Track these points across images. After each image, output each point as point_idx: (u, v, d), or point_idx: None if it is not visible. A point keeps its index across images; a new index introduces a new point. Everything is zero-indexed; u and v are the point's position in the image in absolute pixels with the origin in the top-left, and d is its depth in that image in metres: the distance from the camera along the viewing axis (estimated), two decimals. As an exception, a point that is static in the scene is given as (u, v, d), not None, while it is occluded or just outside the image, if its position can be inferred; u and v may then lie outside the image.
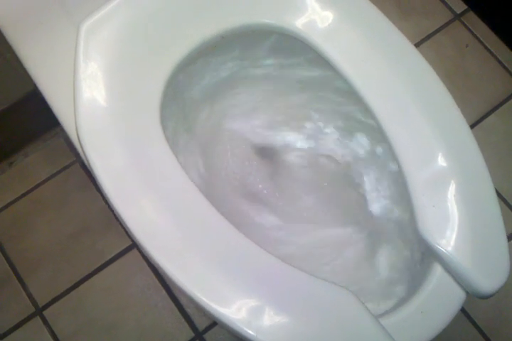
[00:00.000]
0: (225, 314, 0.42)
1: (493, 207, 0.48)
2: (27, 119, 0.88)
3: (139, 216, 0.46)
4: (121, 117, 0.49)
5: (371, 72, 0.52)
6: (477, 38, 1.03)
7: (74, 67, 0.49)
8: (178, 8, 0.52)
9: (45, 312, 0.83)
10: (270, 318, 0.42)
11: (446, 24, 1.05)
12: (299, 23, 0.52)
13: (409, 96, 0.51)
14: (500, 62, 1.01)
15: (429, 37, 1.03)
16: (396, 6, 1.05)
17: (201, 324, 0.82)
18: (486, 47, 1.02)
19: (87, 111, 0.48)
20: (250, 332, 0.42)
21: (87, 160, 0.48)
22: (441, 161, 0.49)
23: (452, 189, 0.48)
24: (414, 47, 0.53)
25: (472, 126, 0.96)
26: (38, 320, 0.83)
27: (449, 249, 0.46)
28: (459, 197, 0.48)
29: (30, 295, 0.84)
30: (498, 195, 0.92)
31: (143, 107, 0.49)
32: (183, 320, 0.83)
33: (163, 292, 0.84)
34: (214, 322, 0.82)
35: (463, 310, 0.85)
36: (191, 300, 0.44)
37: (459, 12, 1.05)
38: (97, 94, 0.48)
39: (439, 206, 0.48)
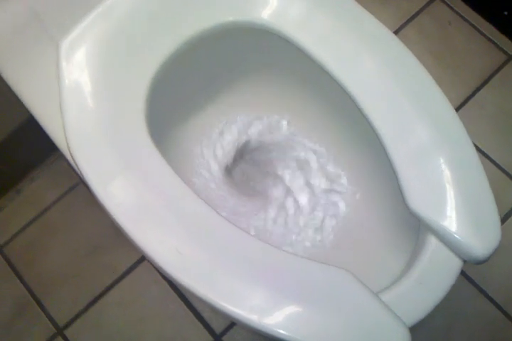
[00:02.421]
0: (226, 305, 0.43)
1: (479, 174, 0.47)
2: (28, 146, 0.90)
3: (137, 221, 0.47)
4: (109, 128, 0.50)
5: (348, 58, 0.52)
6: (459, 14, 1.02)
7: (58, 85, 0.50)
8: (148, 18, 0.53)
9: (66, 332, 0.84)
10: (273, 305, 0.42)
11: (427, 4, 1.04)
12: (268, 16, 0.53)
13: (387, 76, 0.51)
14: (485, 35, 1.00)
15: (411, 19, 1.03)
16: (375, -9, 1.06)
17: (218, 327, 0.83)
18: (469, 23, 1.02)
19: (75, 126, 0.49)
20: (252, 318, 0.42)
21: (80, 173, 0.49)
22: (423, 135, 0.49)
23: (437, 160, 0.48)
24: (389, 30, 0.53)
25: (466, 101, 0.96)
26: (60, 340, 0.84)
27: (440, 219, 0.46)
28: (444, 167, 0.47)
29: (50, 317, 0.86)
30: (498, 166, 0.91)
31: (128, 115, 0.50)
32: (201, 325, 0.83)
33: (179, 300, 0.85)
34: (231, 325, 0.82)
35: (475, 285, 0.84)
36: (197, 297, 0.44)
37: (437, -9, 1.05)
38: (83, 108, 0.49)
39: (425, 178, 0.47)
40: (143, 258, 0.86)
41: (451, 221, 0.46)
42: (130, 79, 0.51)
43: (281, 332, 0.41)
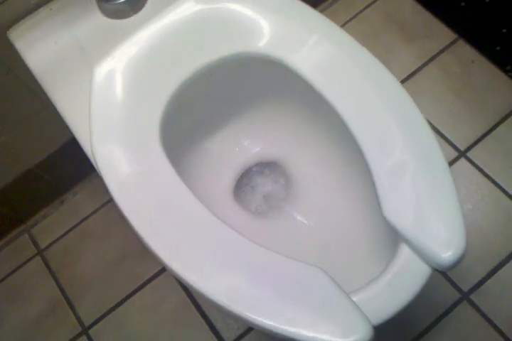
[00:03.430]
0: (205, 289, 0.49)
1: (450, 189, 0.51)
2: (73, 163, 1.01)
3: (148, 224, 0.56)
4: (127, 134, 0.58)
5: (340, 80, 0.57)
6: (483, 53, 1.06)
7: (89, 102, 0.59)
8: (166, 51, 0.61)
9: (91, 331, 0.92)
10: (245, 293, 0.48)
11: (451, 44, 1.09)
12: (265, 46, 0.59)
13: (373, 98, 0.56)
14: (507, 72, 1.03)
15: (434, 57, 1.08)
16: (400, 32, 1.12)
17: (229, 337, 0.87)
18: (492, 62, 1.05)
19: (100, 125, 0.58)
20: (225, 301, 0.48)
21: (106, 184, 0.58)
22: (401, 152, 0.53)
23: (411, 175, 0.52)
24: (375, 57, 0.58)
25: (484, 136, 0.98)
26: (84, 338, 0.91)
27: (410, 229, 0.50)
28: (418, 181, 0.52)
29: (77, 316, 0.94)
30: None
31: (146, 133, 0.58)
32: (212, 334, 0.88)
33: (194, 309, 0.90)
34: (241, 336, 0.87)
35: (482, 314, 0.84)
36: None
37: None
38: (108, 122, 0.58)
39: (401, 190, 0.52)
40: (165, 269, 0.93)
41: (420, 231, 0.49)
42: (149, 98, 0.59)
43: (247, 314, 0.47)
